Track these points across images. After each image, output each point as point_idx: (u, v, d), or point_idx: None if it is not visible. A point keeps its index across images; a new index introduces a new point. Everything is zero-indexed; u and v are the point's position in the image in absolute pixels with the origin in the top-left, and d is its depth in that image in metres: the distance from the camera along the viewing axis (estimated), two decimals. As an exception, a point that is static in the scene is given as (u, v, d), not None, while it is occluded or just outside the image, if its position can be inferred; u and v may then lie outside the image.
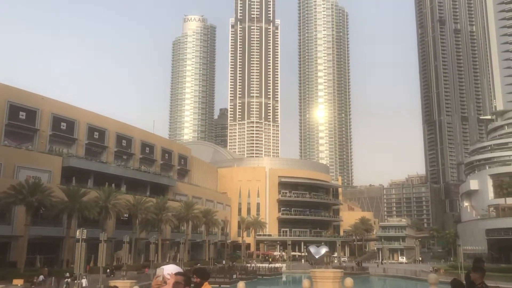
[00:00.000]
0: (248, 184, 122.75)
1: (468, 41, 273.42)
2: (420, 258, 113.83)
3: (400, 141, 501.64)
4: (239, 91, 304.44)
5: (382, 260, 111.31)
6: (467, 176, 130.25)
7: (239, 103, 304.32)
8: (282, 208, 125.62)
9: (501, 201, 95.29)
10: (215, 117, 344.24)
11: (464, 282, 8.29)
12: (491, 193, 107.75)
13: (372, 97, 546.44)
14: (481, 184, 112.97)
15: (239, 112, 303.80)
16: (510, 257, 77.74)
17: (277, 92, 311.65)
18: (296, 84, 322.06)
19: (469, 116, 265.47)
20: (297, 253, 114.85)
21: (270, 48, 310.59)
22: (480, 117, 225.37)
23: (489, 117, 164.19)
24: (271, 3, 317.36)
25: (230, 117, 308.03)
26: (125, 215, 67.29)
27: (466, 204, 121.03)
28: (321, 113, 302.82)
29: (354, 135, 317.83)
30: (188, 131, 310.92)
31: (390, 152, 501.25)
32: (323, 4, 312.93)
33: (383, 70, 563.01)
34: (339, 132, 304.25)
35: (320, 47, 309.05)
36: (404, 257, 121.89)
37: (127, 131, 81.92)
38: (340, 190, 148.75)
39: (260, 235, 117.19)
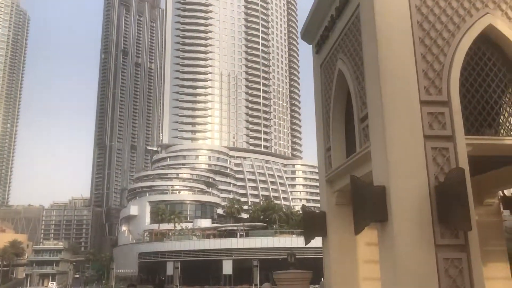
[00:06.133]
0: None
1: (146, 76, 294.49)
2: (70, 283, 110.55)
3: (71, 162, 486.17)
4: None
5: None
6: (128, 202, 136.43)
7: None
8: None
9: (155, 226, 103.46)
10: None
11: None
12: (148, 219, 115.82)
13: (47, 111, 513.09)
14: (140, 210, 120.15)
15: None
16: (155, 279, 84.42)
17: None
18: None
19: (138, 146, 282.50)
20: None
21: None
22: (148, 148, 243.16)
23: (155, 148, 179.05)
24: None
25: None
26: None
27: (124, 228, 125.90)
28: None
29: (18, 149, 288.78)
30: None
31: (59, 172, 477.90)
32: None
33: (64, 84, 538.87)
34: (0, 144, 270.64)
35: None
36: (55, 283, 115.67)
37: None
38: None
39: None
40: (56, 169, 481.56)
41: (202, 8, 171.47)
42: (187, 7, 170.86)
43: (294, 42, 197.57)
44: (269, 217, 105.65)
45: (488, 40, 9.27)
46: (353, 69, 10.11)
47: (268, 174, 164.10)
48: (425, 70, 8.72)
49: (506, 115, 9.35)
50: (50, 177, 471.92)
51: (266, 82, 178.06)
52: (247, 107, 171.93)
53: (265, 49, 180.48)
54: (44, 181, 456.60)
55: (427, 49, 8.83)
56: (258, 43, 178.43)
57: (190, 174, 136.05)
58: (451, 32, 8.97)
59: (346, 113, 11.30)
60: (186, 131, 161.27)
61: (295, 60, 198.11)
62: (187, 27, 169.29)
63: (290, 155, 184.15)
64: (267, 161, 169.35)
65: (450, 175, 7.85)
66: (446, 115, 8.51)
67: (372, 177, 8.69)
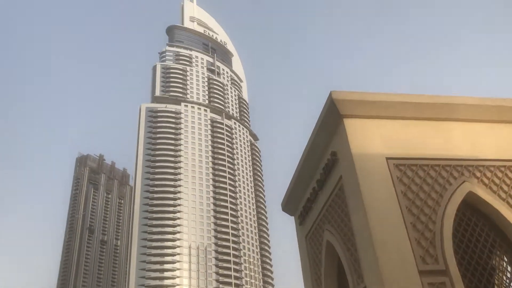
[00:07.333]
0: None
1: (112, 254, 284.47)
2: None
3: None
4: None
5: None
6: None
7: None
8: None
9: None
10: None
11: None
12: None
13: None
14: None
15: None
16: None
17: None
18: None
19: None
20: None
21: None
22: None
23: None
24: None
25: None
26: None
27: None
28: None
29: None
30: None
31: None
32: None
33: (22, 269, 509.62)
34: None
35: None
36: None
37: None
38: None
39: None
40: None
41: (171, 183, 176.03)
42: (156, 182, 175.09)
43: (262, 211, 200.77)
44: None
45: (472, 206, 9.47)
46: (343, 240, 9.90)
47: None
48: (417, 238, 8.60)
49: (505, 283, 9.06)
50: None
51: (237, 253, 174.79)
52: (217, 280, 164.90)
53: (234, 219, 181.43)
54: None
55: (415, 217, 8.85)
56: (227, 213, 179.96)
57: None
58: (435, 200, 9.15)
59: (339, 287, 10.73)
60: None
61: (263, 223, 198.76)
62: (155, 201, 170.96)
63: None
64: None
65: None
66: (448, 286, 8.14)
67: None
